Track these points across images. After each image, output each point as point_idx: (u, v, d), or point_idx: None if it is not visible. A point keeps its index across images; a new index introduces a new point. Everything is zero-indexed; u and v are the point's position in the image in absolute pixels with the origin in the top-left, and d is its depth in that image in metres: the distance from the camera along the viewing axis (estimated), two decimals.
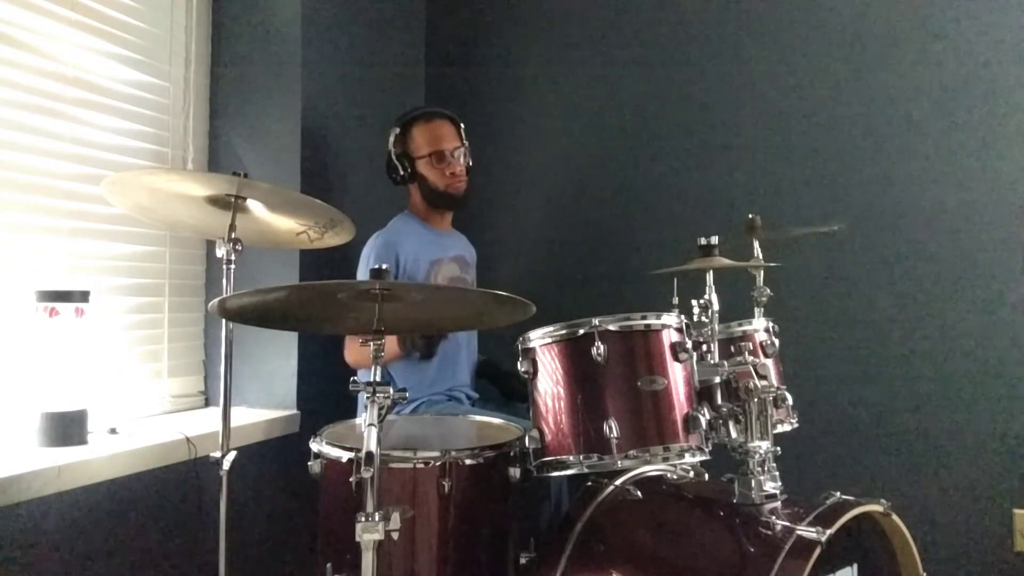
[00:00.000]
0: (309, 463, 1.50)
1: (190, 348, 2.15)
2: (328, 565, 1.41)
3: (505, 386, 2.27)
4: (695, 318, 1.58)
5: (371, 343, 1.27)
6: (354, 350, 2.02)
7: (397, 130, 2.18)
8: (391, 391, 1.22)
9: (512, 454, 1.50)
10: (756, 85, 2.47)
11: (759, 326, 1.76)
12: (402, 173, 2.17)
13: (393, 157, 2.17)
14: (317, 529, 1.54)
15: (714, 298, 1.57)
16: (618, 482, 1.57)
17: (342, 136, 2.38)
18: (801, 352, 2.25)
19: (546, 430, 1.49)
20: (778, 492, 1.42)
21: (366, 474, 1.15)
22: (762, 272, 1.81)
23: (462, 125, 2.23)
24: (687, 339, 1.49)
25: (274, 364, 2.15)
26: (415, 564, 1.41)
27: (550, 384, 1.49)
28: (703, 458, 1.47)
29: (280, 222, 1.59)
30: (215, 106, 2.21)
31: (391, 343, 1.91)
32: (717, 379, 1.48)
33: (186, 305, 2.13)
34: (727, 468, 1.48)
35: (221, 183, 1.44)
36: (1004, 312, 2.18)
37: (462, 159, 2.17)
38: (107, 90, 1.89)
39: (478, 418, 1.85)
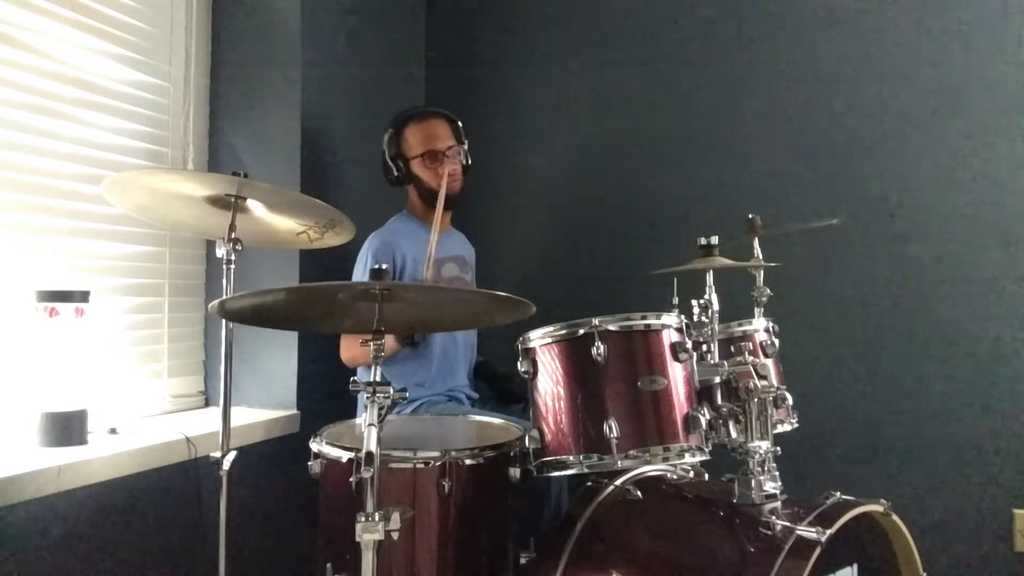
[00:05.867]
0: (309, 463, 1.49)
1: (190, 348, 2.15)
2: (328, 565, 1.41)
3: (501, 388, 2.26)
4: (695, 318, 1.58)
5: (371, 343, 1.27)
6: (349, 347, 2.02)
7: (391, 131, 2.18)
8: (391, 391, 1.22)
9: (512, 454, 1.49)
10: (756, 85, 2.47)
11: (759, 326, 1.76)
12: (396, 174, 2.17)
13: (387, 159, 2.17)
14: (317, 529, 1.54)
15: (714, 298, 1.57)
16: (618, 482, 1.57)
17: (342, 136, 2.37)
18: (801, 352, 2.25)
19: (546, 430, 1.49)
20: (778, 492, 1.42)
21: (366, 474, 1.15)
22: (762, 272, 1.81)
23: (460, 124, 2.23)
24: (687, 339, 1.49)
25: (274, 364, 2.15)
26: (415, 564, 1.40)
27: (550, 384, 1.49)
28: (703, 458, 1.47)
29: (280, 222, 1.59)
30: (215, 106, 2.20)
31: (388, 338, 1.90)
32: (717, 379, 1.48)
33: (186, 305, 2.13)
34: (727, 468, 1.48)
35: (221, 183, 1.44)
36: (1005, 312, 2.18)
37: (457, 158, 2.16)
38: (107, 90, 1.89)
39: (478, 418, 1.85)
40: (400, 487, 1.40)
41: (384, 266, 1.21)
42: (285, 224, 1.59)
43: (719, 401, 1.47)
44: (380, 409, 1.21)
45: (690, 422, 1.43)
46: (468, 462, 1.44)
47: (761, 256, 1.80)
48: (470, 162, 2.22)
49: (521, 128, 2.78)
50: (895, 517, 1.40)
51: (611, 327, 1.44)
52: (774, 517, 1.34)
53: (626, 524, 1.52)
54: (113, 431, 1.72)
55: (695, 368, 1.49)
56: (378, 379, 1.23)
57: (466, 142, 2.22)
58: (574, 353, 1.47)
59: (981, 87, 2.22)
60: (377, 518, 1.14)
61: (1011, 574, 2.15)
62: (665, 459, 1.44)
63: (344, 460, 1.43)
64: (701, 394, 1.48)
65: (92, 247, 1.86)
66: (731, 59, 2.50)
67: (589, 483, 1.61)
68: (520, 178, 2.77)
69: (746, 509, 1.40)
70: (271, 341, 2.14)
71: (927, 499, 2.22)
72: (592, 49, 2.69)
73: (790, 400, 1.49)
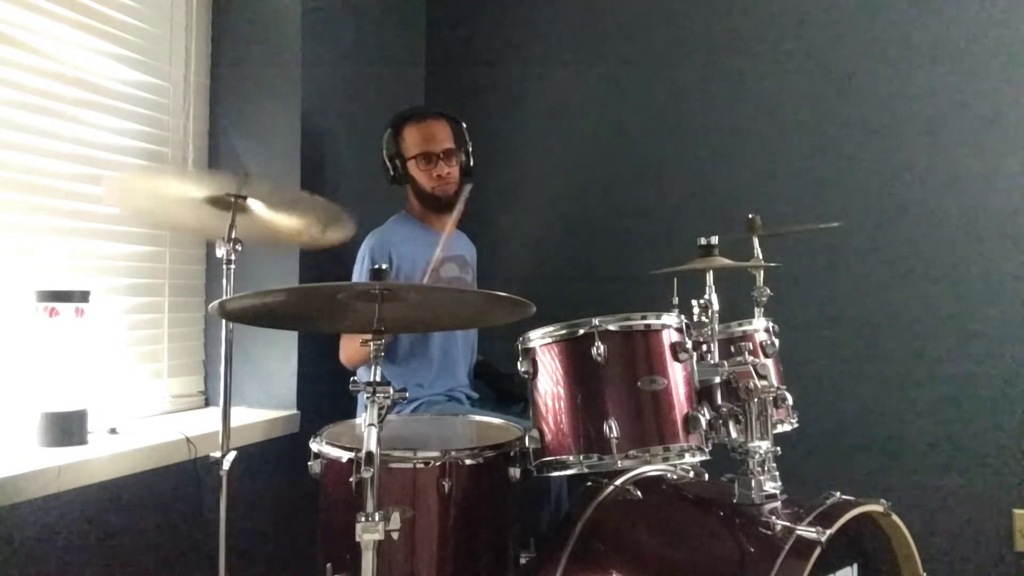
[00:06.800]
0: (309, 463, 1.50)
1: (190, 348, 2.15)
2: (328, 565, 1.41)
3: (501, 388, 2.26)
4: (695, 318, 1.58)
5: (371, 343, 1.27)
6: (347, 347, 2.02)
7: (389, 131, 2.18)
8: (391, 391, 1.22)
9: (512, 454, 1.49)
10: (756, 85, 2.47)
11: (759, 326, 1.76)
12: (392, 174, 2.17)
13: (385, 158, 2.17)
14: (317, 529, 1.54)
15: (714, 298, 1.57)
16: (618, 482, 1.57)
17: (342, 136, 2.38)
18: (801, 352, 2.25)
19: (546, 430, 1.48)
20: (778, 492, 1.42)
21: (366, 474, 1.15)
22: (762, 272, 1.81)
23: (462, 124, 2.22)
24: (687, 339, 1.49)
25: (274, 364, 2.15)
26: (415, 564, 1.40)
27: (550, 384, 1.49)
28: (703, 458, 1.46)
29: (280, 220, 1.59)
30: (215, 106, 2.20)
31: None
32: (717, 379, 1.48)
33: (186, 305, 2.13)
34: (727, 468, 1.48)
35: (222, 182, 1.44)
36: (1004, 312, 2.18)
37: (453, 160, 2.15)
38: (107, 90, 1.89)
39: (478, 418, 1.85)
40: (400, 487, 1.40)
41: (384, 266, 1.22)
42: (286, 223, 1.60)
43: (719, 401, 1.47)
44: (380, 409, 1.21)
45: (690, 422, 1.43)
46: (468, 462, 1.44)
47: (761, 256, 1.80)
48: (472, 163, 2.21)
49: (521, 128, 2.78)
50: (895, 517, 1.40)
51: (611, 327, 1.44)
52: (774, 517, 1.34)
53: (626, 524, 1.52)
54: (113, 431, 1.72)
55: (695, 368, 1.49)
56: (378, 379, 1.23)
57: (469, 143, 2.21)
58: (574, 353, 1.47)
59: (982, 86, 2.22)
60: (377, 518, 1.14)
61: (1011, 574, 2.15)
62: (665, 459, 1.44)
63: (344, 460, 1.43)
64: (701, 394, 1.48)
65: (92, 247, 1.85)
66: (731, 59, 2.50)
67: (589, 483, 1.60)
68: (520, 178, 2.77)
69: (746, 509, 1.40)
70: (271, 341, 2.14)
71: (927, 499, 2.22)
72: (592, 49, 2.69)
73: (790, 400, 1.49)
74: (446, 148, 2.14)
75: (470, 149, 2.21)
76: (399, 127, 2.17)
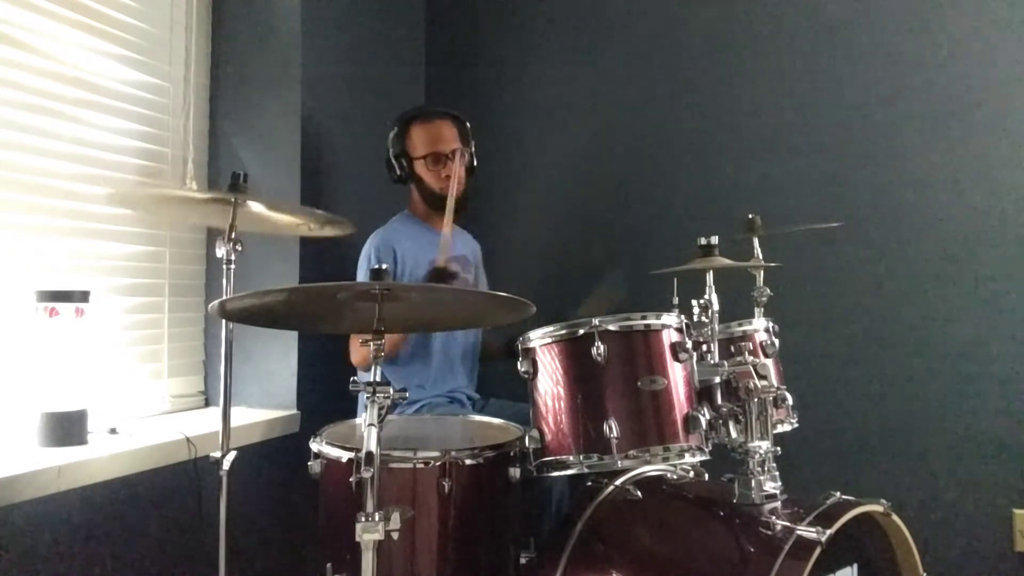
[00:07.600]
0: (309, 463, 1.49)
1: (190, 348, 2.15)
2: (328, 565, 1.41)
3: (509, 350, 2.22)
4: (695, 318, 1.58)
5: (371, 343, 1.27)
6: (358, 350, 2.02)
7: (396, 129, 2.17)
8: (391, 391, 1.22)
9: (512, 454, 1.49)
10: (756, 85, 2.47)
11: (759, 326, 1.77)
12: (399, 173, 2.17)
13: (391, 156, 2.17)
14: (317, 529, 1.54)
15: (714, 298, 1.57)
16: (618, 482, 1.57)
17: (342, 136, 2.38)
18: (801, 352, 2.25)
19: (546, 430, 1.49)
20: (778, 492, 1.42)
21: (366, 474, 1.15)
22: (762, 272, 1.81)
23: (467, 124, 2.22)
24: (687, 339, 1.49)
25: (274, 364, 2.15)
26: (415, 564, 1.41)
27: (550, 384, 1.49)
28: (703, 458, 1.47)
29: (279, 218, 1.60)
30: (215, 106, 2.20)
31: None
32: (717, 379, 1.48)
33: (186, 305, 2.13)
34: (727, 468, 1.48)
35: (221, 194, 1.45)
36: (1004, 312, 2.18)
37: (462, 160, 2.15)
38: (107, 90, 1.89)
39: (478, 418, 1.85)
40: (400, 487, 1.40)
41: (384, 266, 1.21)
42: (284, 219, 1.60)
43: (719, 401, 1.47)
44: (380, 409, 1.21)
45: (690, 422, 1.43)
46: (468, 462, 1.44)
47: (761, 256, 1.80)
48: (475, 163, 2.21)
49: (520, 128, 2.78)
50: (895, 517, 1.40)
51: (611, 327, 1.44)
52: (774, 517, 1.34)
53: (626, 524, 1.52)
54: (113, 431, 1.72)
55: (695, 368, 1.49)
56: (378, 379, 1.23)
57: (473, 143, 2.21)
58: (574, 353, 1.47)
59: (982, 88, 2.21)
60: (377, 518, 1.14)
61: (1011, 574, 2.15)
62: (665, 459, 1.44)
63: (344, 460, 1.43)
64: (701, 394, 1.49)
65: (92, 247, 1.85)
66: (732, 59, 2.50)
67: (589, 483, 1.61)
68: (519, 178, 2.77)
69: (746, 509, 1.40)
70: (271, 341, 2.14)
71: (927, 499, 2.22)
72: (592, 48, 2.69)
73: (790, 400, 1.49)
74: (454, 148, 2.14)
75: (473, 149, 2.21)
76: (406, 127, 2.17)
